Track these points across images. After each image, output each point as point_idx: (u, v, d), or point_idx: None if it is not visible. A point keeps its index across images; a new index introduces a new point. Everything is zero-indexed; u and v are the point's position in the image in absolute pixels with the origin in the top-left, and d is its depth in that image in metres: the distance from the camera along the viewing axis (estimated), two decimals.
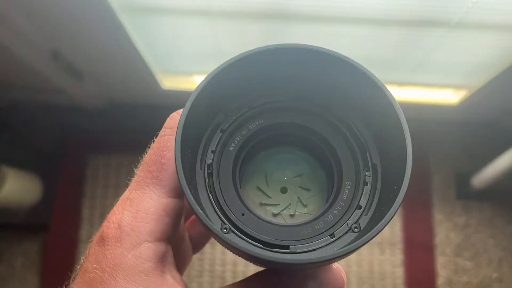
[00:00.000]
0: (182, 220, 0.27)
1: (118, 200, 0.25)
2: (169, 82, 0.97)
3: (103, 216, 1.15)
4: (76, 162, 1.19)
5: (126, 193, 0.25)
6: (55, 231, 1.16)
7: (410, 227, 1.17)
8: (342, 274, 0.24)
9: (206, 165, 0.26)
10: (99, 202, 1.17)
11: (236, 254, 0.23)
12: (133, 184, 0.25)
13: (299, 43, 0.25)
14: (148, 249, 0.22)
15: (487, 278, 1.14)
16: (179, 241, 0.28)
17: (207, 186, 0.25)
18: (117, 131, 1.20)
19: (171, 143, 0.25)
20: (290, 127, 0.28)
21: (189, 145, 0.25)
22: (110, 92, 1.09)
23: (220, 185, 0.26)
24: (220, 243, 0.23)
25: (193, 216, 0.32)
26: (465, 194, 1.17)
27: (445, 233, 1.16)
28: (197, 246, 0.33)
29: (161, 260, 0.22)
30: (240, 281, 0.24)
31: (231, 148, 0.27)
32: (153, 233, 0.23)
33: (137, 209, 0.23)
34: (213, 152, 0.26)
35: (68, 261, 1.14)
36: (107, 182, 1.18)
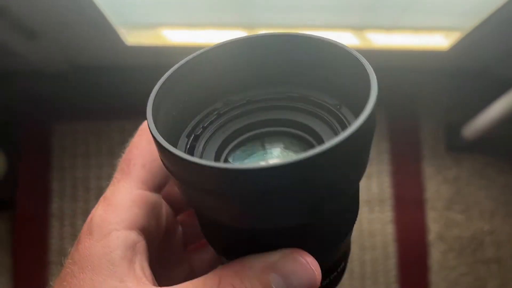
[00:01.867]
0: (168, 214, 0.26)
1: None
2: (133, 38, 0.87)
3: (74, 187, 1.09)
4: (40, 131, 1.10)
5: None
6: (22, 206, 1.08)
7: (400, 183, 1.12)
8: (313, 268, 0.20)
9: (194, 135, 0.24)
10: (68, 173, 1.09)
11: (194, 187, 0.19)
12: (109, 185, 0.25)
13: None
14: (117, 238, 0.21)
15: (479, 231, 1.11)
16: (165, 236, 0.27)
17: (186, 148, 0.23)
18: (81, 96, 1.11)
19: (139, 142, 0.25)
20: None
21: (173, 113, 0.23)
22: (68, 53, 1.00)
23: (202, 152, 0.23)
24: (176, 170, 0.20)
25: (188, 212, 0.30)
26: (456, 145, 1.12)
27: (436, 187, 1.12)
28: (192, 240, 0.30)
29: (131, 248, 0.22)
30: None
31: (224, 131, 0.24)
32: (122, 222, 0.22)
33: (108, 203, 0.23)
34: (203, 127, 0.24)
35: (40, 237, 1.07)
36: (75, 151, 1.10)
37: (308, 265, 0.19)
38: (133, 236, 0.22)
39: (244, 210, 0.19)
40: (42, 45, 0.93)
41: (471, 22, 0.81)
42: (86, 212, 1.08)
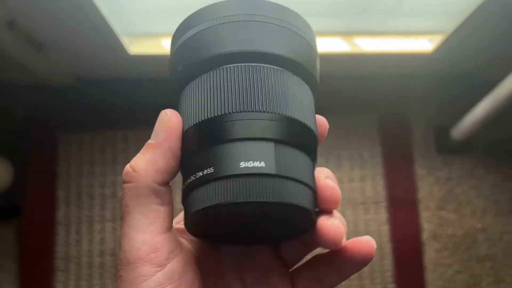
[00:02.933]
0: None
1: None
2: (136, 47, 0.93)
3: (79, 195, 1.12)
4: (46, 141, 1.15)
5: None
6: (29, 214, 1.12)
7: (393, 185, 1.16)
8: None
9: None
10: (74, 181, 1.13)
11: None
12: None
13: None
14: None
15: (472, 229, 1.14)
16: None
17: None
18: (86, 106, 1.16)
19: None
20: None
21: None
22: (74, 63, 1.05)
23: None
24: None
25: None
26: (446, 147, 1.17)
27: (428, 187, 1.16)
28: None
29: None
30: None
31: None
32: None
33: None
34: None
35: (46, 244, 1.10)
36: (80, 160, 1.14)
37: (166, 112, 0.26)
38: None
39: None
40: (50, 57, 0.98)
41: (452, 23, 0.86)
42: (91, 220, 1.12)
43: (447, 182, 1.16)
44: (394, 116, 1.20)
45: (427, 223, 1.14)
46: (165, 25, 0.86)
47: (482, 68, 1.10)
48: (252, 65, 0.24)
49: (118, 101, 1.15)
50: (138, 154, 0.25)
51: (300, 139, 0.24)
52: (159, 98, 1.18)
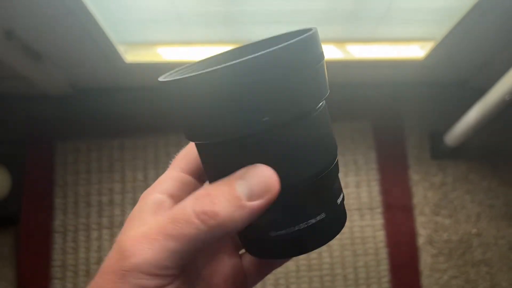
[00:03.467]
0: None
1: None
2: (132, 56, 0.94)
3: (76, 203, 1.13)
4: (43, 149, 1.16)
5: None
6: (26, 222, 1.12)
7: (388, 190, 1.17)
8: (270, 173, 0.24)
9: None
10: (70, 190, 1.14)
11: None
12: None
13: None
14: (149, 198, 0.27)
15: (467, 234, 1.15)
16: None
17: None
18: (82, 115, 1.17)
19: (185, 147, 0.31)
20: None
21: None
22: (71, 73, 1.06)
23: None
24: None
25: None
26: (440, 153, 1.18)
27: (423, 193, 1.17)
28: None
29: (157, 204, 0.27)
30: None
31: None
32: (157, 189, 0.28)
33: (155, 183, 0.29)
34: None
35: (43, 253, 1.11)
36: (77, 168, 1.15)
37: (266, 171, 0.24)
38: (161, 197, 0.27)
39: (201, 117, 0.23)
40: (47, 67, 0.99)
41: (442, 31, 0.88)
42: (87, 227, 1.12)
43: (441, 187, 1.17)
44: (388, 122, 1.21)
45: (423, 229, 1.15)
46: (161, 34, 0.87)
47: (473, 74, 1.11)
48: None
49: (115, 110, 1.16)
50: (232, 209, 0.24)
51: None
52: (155, 106, 1.20)
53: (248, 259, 0.30)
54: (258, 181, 0.24)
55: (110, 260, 0.24)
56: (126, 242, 0.24)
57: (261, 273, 0.31)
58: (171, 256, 0.23)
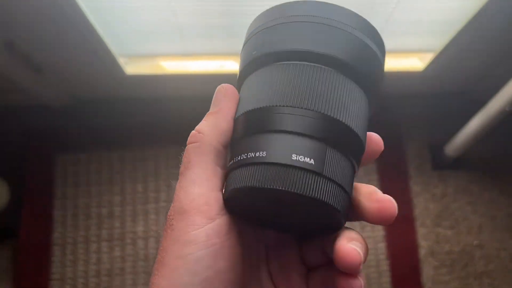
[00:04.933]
0: None
1: None
2: (132, 68, 0.94)
3: (75, 216, 1.12)
4: (43, 161, 1.15)
5: None
6: (25, 235, 1.11)
7: None
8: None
9: None
10: (70, 202, 1.13)
11: None
12: None
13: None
14: None
15: (469, 246, 1.14)
16: None
17: None
18: (82, 127, 1.17)
19: None
20: None
21: None
22: (71, 84, 1.06)
23: None
24: None
25: None
26: (440, 164, 1.17)
27: (424, 204, 1.16)
28: None
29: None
30: None
31: None
32: None
33: None
34: None
35: (42, 266, 1.10)
36: (77, 180, 1.15)
37: (223, 85, 0.28)
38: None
39: None
40: (47, 78, 1.00)
41: (441, 43, 0.88)
42: (86, 240, 1.11)
43: (442, 199, 1.17)
44: (388, 134, 1.20)
45: (424, 240, 1.14)
46: (161, 46, 0.88)
47: (473, 85, 1.12)
48: (318, 66, 0.25)
49: (115, 121, 1.16)
50: (201, 121, 0.27)
51: (349, 146, 0.25)
52: (155, 118, 1.20)
53: (312, 280, 0.29)
54: (215, 94, 0.28)
55: None
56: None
57: None
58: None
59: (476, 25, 0.80)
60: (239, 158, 0.25)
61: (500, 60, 0.98)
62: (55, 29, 0.80)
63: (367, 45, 0.27)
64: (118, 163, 1.16)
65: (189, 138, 0.27)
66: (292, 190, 0.23)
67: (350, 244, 0.25)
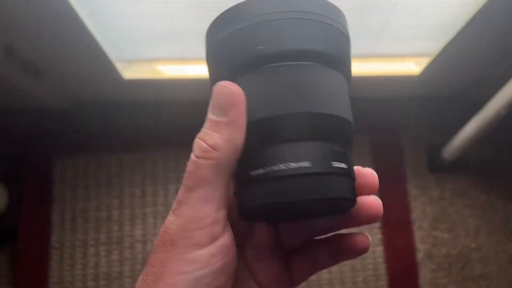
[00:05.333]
0: None
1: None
2: (129, 72, 0.95)
3: (74, 219, 1.13)
4: (42, 165, 1.16)
5: None
6: (24, 239, 1.11)
7: (386, 205, 1.15)
8: (230, 87, 0.25)
9: None
10: (68, 205, 1.14)
11: None
12: None
13: None
14: None
15: (466, 249, 1.14)
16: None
17: None
18: (81, 131, 1.17)
19: None
20: None
21: None
22: (70, 89, 1.07)
23: None
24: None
25: None
26: (438, 167, 1.18)
27: (421, 207, 1.16)
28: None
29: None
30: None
31: None
32: None
33: None
34: None
35: (40, 269, 1.10)
36: (75, 184, 1.15)
37: (224, 85, 0.25)
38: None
39: None
40: (46, 82, 1.00)
41: (437, 47, 0.89)
42: (85, 244, 1.12)
43: (440, 202, 1.17)
44: (386, 137, 1.21)
45: (421, 244, 1.14)
46: (158, 51, 0.88)
47: (469, 88, 1.12)
48: (300, 64, 0.25)
49: (113, 125, 1.17)
50: (210, 131, 0.25)
51: (340, 133, 0.26)
52: (153, 122, 1.20)
53: (294, 262, 0.30)
54: (220, 97, 0.25)
55: None
56: None
57: (305, 274, 0.30)
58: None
59: (471, 29, 0.80)
60: (256, 173, 0.25)
61: (495, 63, 0.99)
62: (54, 34, 0.81)
63: (338, 29, 0.27)
64: (116, 167, 1.16)
65: (200, 152, 0.25)
66: (331, 196, 0.24)
67: (371, 197, 0.27)
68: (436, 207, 1.17)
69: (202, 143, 0.25)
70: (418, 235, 1.15)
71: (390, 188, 1.18)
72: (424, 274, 1.13)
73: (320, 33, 0.26)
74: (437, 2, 0.75)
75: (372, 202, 0.27)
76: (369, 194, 0.28)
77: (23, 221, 1.12)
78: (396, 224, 1.16)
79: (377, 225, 1.15)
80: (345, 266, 1.13)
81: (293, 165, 0.24)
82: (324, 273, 1.12)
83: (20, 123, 1.18)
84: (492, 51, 0.94)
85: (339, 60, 0.26)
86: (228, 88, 0.25)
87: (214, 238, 0.24)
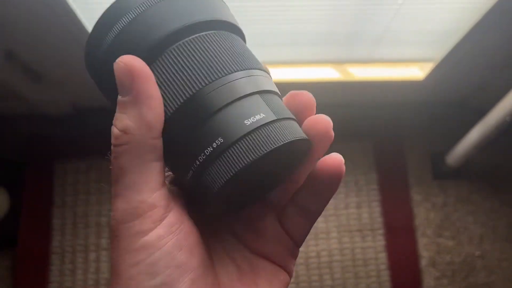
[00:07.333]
0: None
1: None
2: None
3: (74, 224, 1.12)
4: (43, 170, 1.15)
5: None
6: (24, 243, 1.11)
7: (390, 212, 1.16)
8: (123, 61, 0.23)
9: None
10: (69, 210, 1.13)
11: None
12: None
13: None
14: None
15: (470, 256, 1.13)
16: None
17: None
18: (82, 136, 1.17)
19: None
20: None
21: None
22: (71, 93, 1.06)
23: None
24: None
25: None
26: (441, 173, 1.17)
27: (425, 214, 1.15)
28: None
29: None
30: None
31: None
32: None
33: None
34: None
35: (40, 274, 1.09)
36: (76, 189, 1.15)
37: (122, 61, 0.22)
38: None
39: None
40: (47, 87, 1.00)
41: (441, 53, 0.88)
42: (85, 249, 1.11)
43: (443, 208, 1.16)
44: (389, 143, 1.20)
45: (425, 250, 1.13)
46: None
47: (473, 94, 1.11)
48: (208, 34, 0.25)
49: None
50: (119, 114, 0.23)
51: (266, 82, 0.25)
52: None
53: (286, 219, 0.27)
54: (119, 75, 0.23)
55: None
56: None
57: (303, 228, 0.27)
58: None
59: (476, 35, 0.79)
60: (200, 161, 0.23)
61: (500, 69, 0.98)
62: (55, 39, 0.80)
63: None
64: None
65: (113, 139, 0.23)
66: (268, 149, 0.22)
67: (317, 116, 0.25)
68: (439, 214, 1.15)
69: (114, 129, 0.23)
70: (422, 242, 1.14)
71: (393, 194, 1.17)
72: (428, 281, 1.11)
73: (204, 5, 0.25)
74: (441, 8, 0.74)
75: (315, 118, 0.25)
76: (309, 115, 0.26)
77: (23, 226, 1.12)
78: (399, 230, 1.15)
79: (380, 231, 1.14)
80: (348, 273, 1.12)
81: (250, 120, 0.23)
82: (327, 280, 1.11)
83: (21, 128, 1.17)
84: (497, 57, 0.93)
85: (233, 24, 0.26)
86: (124, 63, 0.22)
87: (158, 221, 0.23)
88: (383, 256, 1.13)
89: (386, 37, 0.81)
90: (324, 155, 0.25)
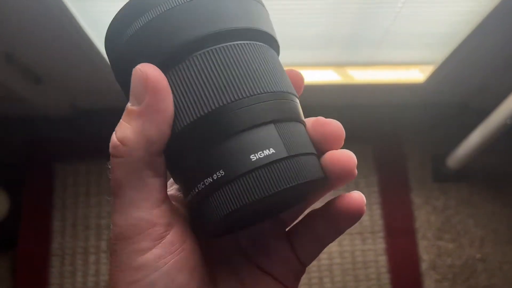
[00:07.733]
0: None
1: None
2: None
3: (74, 226, 1.12)
4: (43, 172, 1.15)
5: None
6: (24, 245, 1.11)
7: (390, 214, 1.15)
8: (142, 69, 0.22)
9: None
10: (69, 212, 1.13)
11: None
12: None
13: None
14: None
15: (471, 259, 1.13)
16: None
17: None
18: (82, 137, 1.17)
19: None
20: None
21: None
22: (71, 95, 1.06)
23: None
24: None
25: None
26: (442, 176, 1.17)
27: (425, 217, 1.15)
28: None
29: None
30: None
31: None
32: None
33: None
34: None
35: (41, 276, 1.09)
36: (76, 191, 1.14)
37: (142, 67, 0.21)
38: None
39: None
40: (47, 89, 1.00)
41: (442, 56, 0.88)
42: (85, 251, 1.11)
43: (444, 211, 1.16)
44: (390, 146, 1.20)
45: (426, 253, 1.13)
46: None
47: (473, 96, 1.11)
48: (240, 44, 0.22)
49: (113, 131, 1.16)
50: (122, 121, 0.22)
51: (289, 109, 0.23)
52: None
53: (296, 240, 0.26)
54: (135, 82, 0.21)
55: None
56: None
57: (312, 252, 0.26)
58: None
59: (476, 38, 0.79)
60: (197, 190, 0.22)
61: (500, 72, 0.98)
62: (54, 42, 0.80)
63: (257, 3, 0.24)
64: None
65: (111, 149, 0.22)
66: (270, 192, 0.21)
67: (339, 151, 0.24)
68: (440, 217, 1.15)
69: (114, 136, 0.22)
70: (422, 245, 1.13)
71: (393, 197, 1.17)
72: (428, 284, 1.11)
73: (242, 9, 0.23)
74: (441, 11, 0.74)
75: (340, 155, 0.24)
76: (335, 147, 0.24)
77: (23, 228, 1.12)
78: (400, 233, 1.15)
79: (380, 234, 1.14)
80: (348, 275, 1.12)
81: (256, 156, 0.21)
82: (327, 283, 1.10)
83: (21, 130, 1.17)
84: (497, 60, 0.93)
85: (269, 34, 0.24)
86: (142, 71, 0.21)
87: (158, 239, 0.22)
88: (383, 259, 1.13)
89: (386, 39, 0.81)
90: None
